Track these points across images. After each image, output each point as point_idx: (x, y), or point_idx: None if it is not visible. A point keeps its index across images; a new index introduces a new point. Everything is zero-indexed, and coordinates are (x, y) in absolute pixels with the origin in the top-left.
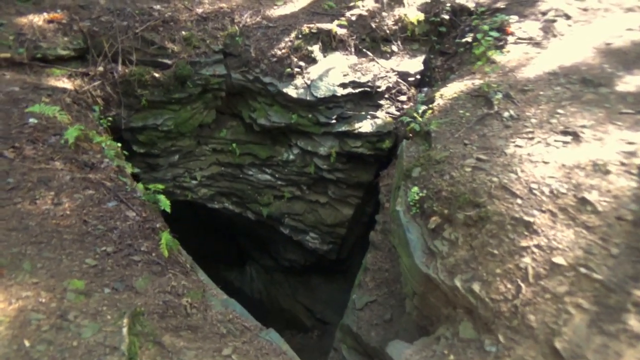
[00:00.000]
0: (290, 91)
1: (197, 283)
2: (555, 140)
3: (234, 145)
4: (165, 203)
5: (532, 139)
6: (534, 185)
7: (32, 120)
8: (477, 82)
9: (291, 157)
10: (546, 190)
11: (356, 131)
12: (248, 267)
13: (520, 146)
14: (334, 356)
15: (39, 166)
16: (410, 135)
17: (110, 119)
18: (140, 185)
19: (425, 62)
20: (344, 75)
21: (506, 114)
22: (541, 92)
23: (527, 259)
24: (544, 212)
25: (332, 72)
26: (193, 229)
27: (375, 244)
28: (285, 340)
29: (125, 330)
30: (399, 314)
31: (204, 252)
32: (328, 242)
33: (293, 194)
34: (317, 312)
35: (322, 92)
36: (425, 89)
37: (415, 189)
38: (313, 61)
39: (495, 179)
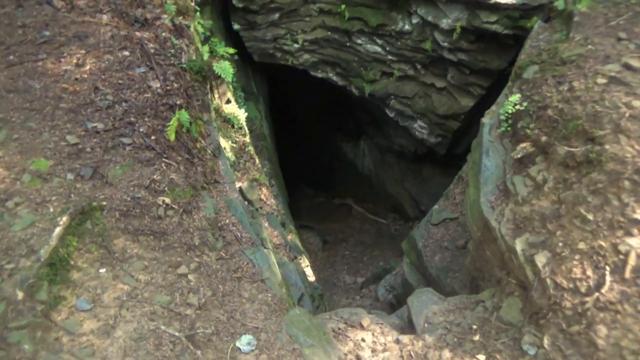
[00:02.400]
0: None
1: (196, 177)
2: None
3: (342, 6)
4: (227, 71)
5: None
6: None
7: None
8: None
9: (407, 27)
10: None
11: (493, 1)
12: (362, 141)
13: None
14: (399, 269)
15: (82, 19)
16: (552, 14)
17: None
18: (204, 48)
19: None
20: None
21: None
22: None
23: (634, 241)
24: None
25: None
26: (309, 97)
27: None
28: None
29: (58, 230)
30: None
31: (324, 120)
32: (437, 135)
33: (404, 73)
34: (423, 203)
35: None
36: None
37: (516, 96)
38: None
39: (637, 104)
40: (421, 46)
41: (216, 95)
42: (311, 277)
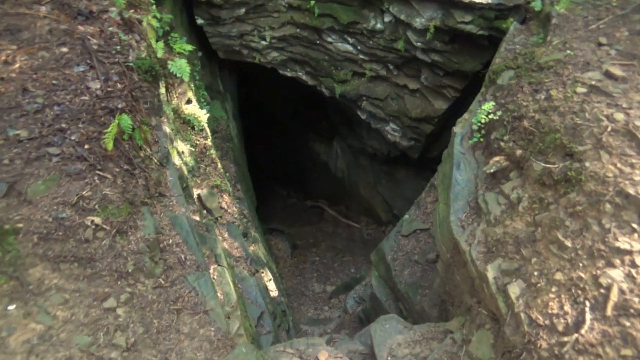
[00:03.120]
0: None
1: (136, 192)
2: None
3: (312, 2)
4: (183, 70)
5: None
6: None
7: None
8: None
9: (379, 26)
10: None
11: (468, 0)
12: (336, 143)
13: None
14: (369, 279)
15: (17, 10)
16: (529, 16)
17: None
18: (159, 45)
19: None
20: None
21: None
22: None
23: (617, 273)
24: None
25: None
26: (282, 95)
27: None
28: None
29: None
30: None
31: (298, 119)
32: (410, 138)
33: (377, 73)
34: (396, 208)
35: None
36: None
37: (490, 105)
38: None
39: (620, 117)
40: (394, 46)
41: (175, 96)
42: (274, 292)
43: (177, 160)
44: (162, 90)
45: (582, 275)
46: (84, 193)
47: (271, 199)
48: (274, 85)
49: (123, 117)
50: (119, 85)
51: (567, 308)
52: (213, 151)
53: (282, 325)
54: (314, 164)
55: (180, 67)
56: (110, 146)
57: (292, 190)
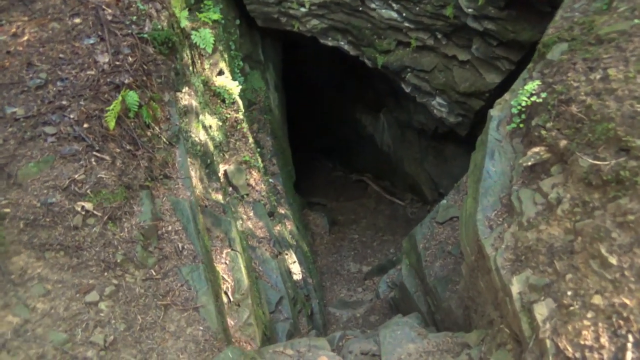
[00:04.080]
0: None
1: (135, 174)
2: None
3: None
4: (207, 41)
5: None
6: None
7: None
8: None
9: None
10: None
11: None
12: (382, 115)
13: None
14: (395, 270)
15: None
16: None
17: None
18: (182, 14)
19: None
20: None
21: None
22: None
23: None
24: None
25: None
26: (328, 64)
27: None
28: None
29: None
30: None
31: (344, 90)
32: (457, 114)
33: (423, 43)
34: (442, 186)
35: None
36: None
37: (534, 84)
38: None
39: None
40: (442, 12)
41: (206, 67)
42: (297, 275)
43: (202, 135)
44: (183, 62)
45: (627, 301)
46: (77, 176)
47: (315, 171)
48: (320, 54)
49: (129, 93)
50: (130, 59)
51: (604, 340)
52: (244, 124)
53: (303, 310)
54: (360, 136)
55: (204, 37)
56: (112, 125)
57: (338, 162)
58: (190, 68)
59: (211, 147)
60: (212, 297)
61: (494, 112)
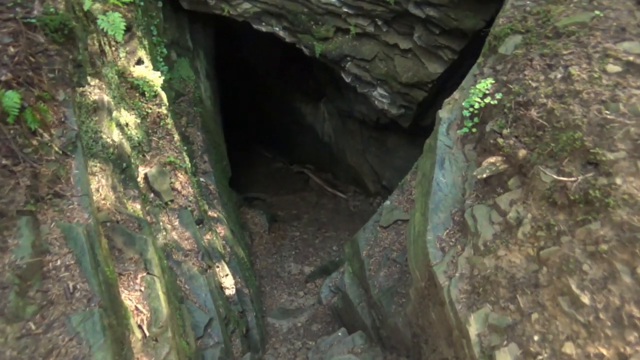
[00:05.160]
0: None
1: (12, 197)
2: None
3: None
4: (116, 26)
5: None
6: None
7: None
8: None
9: None
10: None
11: None
12: (322, 104)
13: None
14: (338, 272)
15: None
16: None
17: None
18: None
19: None
20: None
21: None
22: None
23: None
24: None
25: None
26: (265, 50)
27: None
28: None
29: None
30: None
31: (284, 77)
32: (399, 105)
33: (363, 30)
34: (385, 178)
35: None
36: None
37: (487, 82)
38: None
39: None
40: None
41: (122, 55)
42: (230, 290)
43: (115, 135)
44: (90, 51)
45: (604, 351)
46: None
47: (254, 164)
48: (258, 39)
49: (6, 94)
50: (11, 49)
51: None
52: (169, 120)
53: (237, 330)
54: (300, 126)
55: (113, 22)
56: None
57: (278, 153)
58: (102, 58)
59: (127, 149)
60: (111, 351)
61: (443, 114)
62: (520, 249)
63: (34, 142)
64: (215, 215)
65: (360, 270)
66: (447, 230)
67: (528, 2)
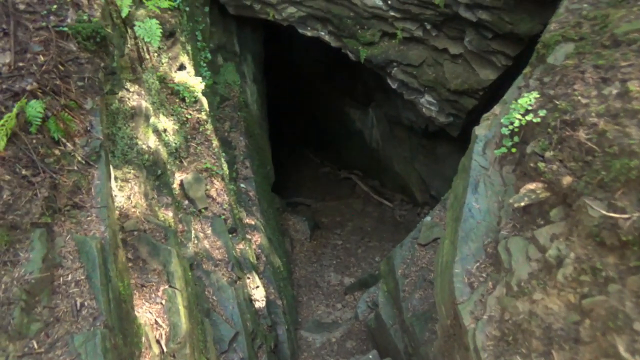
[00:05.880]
0: None
1: (27, 208)
2: None
3: None
4: (153, 33)
5: None
6: None
7: None
8: None
9: None
10: None
11: None
12: (371, 110)
13: None
14: (376, 287)
15: None
16: None
17: None
18: (125, 2)
19: None
20: None
21: None
22: None
23: None
24: None
25: None
26: (315, 55)
27: None
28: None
29: None
30: None
31: (333, 81)
32: (448, 114)
33: (410, 34)
34: (434, 188)
35: None
36: None
37: (531, 96)
38: None
39: None
40: (431, 0)
41: (164, 61)
42: (260, 302)
43: (152, 142)
44: (128, 58)
45: None
46: None
47: (302, 167)
48: (308, 44)
49: (30, 103)
50: (40, 58)
51: None
52: (209, 125)
53: (264, 345)
54: (349, 131)
55: (150, 29)
56: (1, 145)
57: (326, 158)
58: (142, 64)
59: (164, 155)
60: None
61: (480, 131)
62: (559, 294)
63: (57, 152)
64: (253, 222)
65: (395, 289)
66: (478, 264)
67: (585, 6)
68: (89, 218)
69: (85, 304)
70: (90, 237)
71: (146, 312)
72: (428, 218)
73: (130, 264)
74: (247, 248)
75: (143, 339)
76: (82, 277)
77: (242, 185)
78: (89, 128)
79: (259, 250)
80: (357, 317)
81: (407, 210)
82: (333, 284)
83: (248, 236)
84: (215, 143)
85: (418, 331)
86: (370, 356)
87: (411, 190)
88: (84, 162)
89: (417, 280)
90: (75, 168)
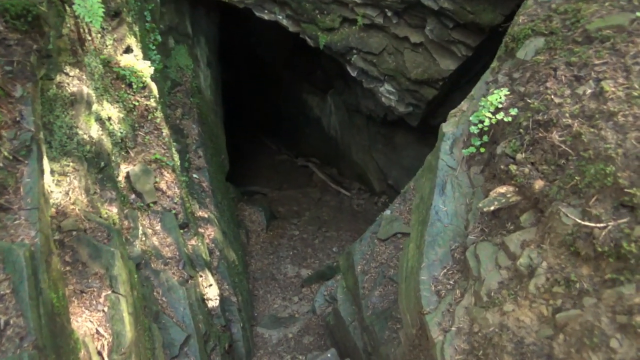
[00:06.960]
0: None
1: None
2: None
3: None
4: (94, 12)
5: None
6: None
7: None
8: None
9: None
10: None
11: None
12: (330, 97)
13: None
14: (334, 281)
15: None
16: None
17: None
18: None
19: None
20: None
21: None
22: None
23: None
24: None
25: None
26: (273, 38)
27: None
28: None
29: None
30: None
31: (292, 67)
32: (408, 103)
33: (371, 21)
34: (392, 177)
35: None
36: None
37: (501, 93)
38: None
39: None
40: None
41: (108, 43)
42: (214, 301)
43: (94, 131)
44: (68, 38)
45: None
46: None
47: (259, 154)
48: (265, 27)
49: None
50: None
51: None
52: (158, 113)
53: (218, 347)
54: (307, 118)
55: (91, 7)
56: None
57: (283, 145)
58: (84, 46)
59: (108, 146)
60: None
61: (447, 128)
62: (531, 305)
63: None
64: (206, 215)
65: (354, 286)
66: (445, 270)
67: None
68: (16, 222)
69: (11, 322)
70: (18, 245)
71: (86, 322)
72: (388, 212)
73: (68, 268)
74: (200, 244)
75: (82, 353)
76: (8, 292)
77: (194, 176)
78: (18, 119)
79: (213, 245)
80: (315, 311)
81: (365, 199)
82: (290, 277)
83: (201, 230)
84: (166, 132)
85: (378, 330)
86: (329, 354)
87: (369, 179)
88: (11, 157)
89: (377, 277)
90: (1, 165)
